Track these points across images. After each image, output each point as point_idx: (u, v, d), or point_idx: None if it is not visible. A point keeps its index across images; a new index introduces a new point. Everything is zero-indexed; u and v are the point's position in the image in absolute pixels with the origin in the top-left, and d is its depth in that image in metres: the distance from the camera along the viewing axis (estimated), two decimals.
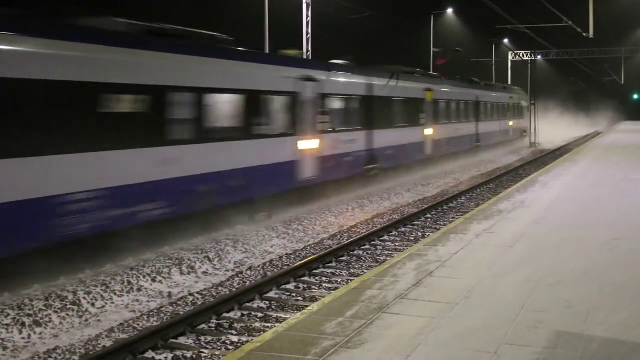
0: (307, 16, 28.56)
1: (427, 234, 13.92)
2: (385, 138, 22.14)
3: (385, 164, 22.21)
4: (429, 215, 16.48)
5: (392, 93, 22.91)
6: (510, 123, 42.55)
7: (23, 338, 8.05)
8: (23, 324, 8.29)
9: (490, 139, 36.97)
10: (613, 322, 6.02)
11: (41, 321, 8.45)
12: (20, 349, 7.74)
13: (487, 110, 36.32)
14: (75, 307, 9.00)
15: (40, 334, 8.21)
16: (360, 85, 20.79)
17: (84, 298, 9.30)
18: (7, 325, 8.22)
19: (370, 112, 21.13)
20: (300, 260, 11.65)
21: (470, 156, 32.56)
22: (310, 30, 28.61)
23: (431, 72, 30.33)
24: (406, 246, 12.62)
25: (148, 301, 9.65)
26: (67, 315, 8.77)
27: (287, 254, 12.47)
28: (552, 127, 53.48)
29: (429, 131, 26.38)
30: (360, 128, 20.57)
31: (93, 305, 9.22)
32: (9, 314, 8.47)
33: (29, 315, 8.51)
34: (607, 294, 6.92)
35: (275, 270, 11.19)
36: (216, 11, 42.73)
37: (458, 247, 9.34)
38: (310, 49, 28.12)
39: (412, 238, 13.71)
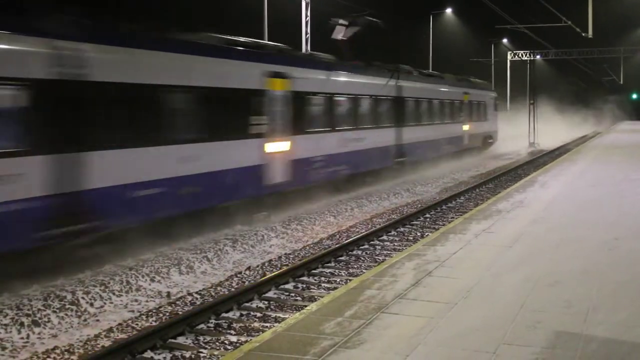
0: (306, 16, 28.59)
1: (426, 233, 13.91)
2: (150, 165, 11.90)
3: (141, 214, 11.79)
4: (427, 215, 16.48)
5: (160, 78, 12.19)
6: (465, 127, 31.76)
7: (22, 338, 8.05)
8: (22, 324, 8.28)
9: (426, 152, 26.39)
10: (612, 321, 6.01)
11: (40, 321, 8.44)
12: (19, 349, 7.73)
13: (421, 110, 26.01)
14: (74, 307, 8.99)
15: (39, 333, 8.20)
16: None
17: (83, 298, 9.30)
18: (5, 325, 8.21)
19: (97, 115, 10.83)
20: (299, 260, 11.65)
21: (388, 178, 22.90)
22: (309, 30, 28.63)
23: (320, 54, 20.23)
24: (405, 246, 12.62)
25: (147, 301, 9.65)
26: (66, 315, 8.76)
27: (286, 253, 12.47)
28: (551, 126, 53.49)
29: (276, 146, 15.88)
30: (63, 149, 10.11)
31: (92, 305, 9.22)
32: (7, 314, 8.47)
33: (28, 315, 8.50)
34: (606, 293, 6.91)
35: (274, 270, 11.18)
36: (216, 11, 42.73)
37: (457, 247, 9.33)
38: (309, 49, 28.11)
39: (411, 238, 13.70)
